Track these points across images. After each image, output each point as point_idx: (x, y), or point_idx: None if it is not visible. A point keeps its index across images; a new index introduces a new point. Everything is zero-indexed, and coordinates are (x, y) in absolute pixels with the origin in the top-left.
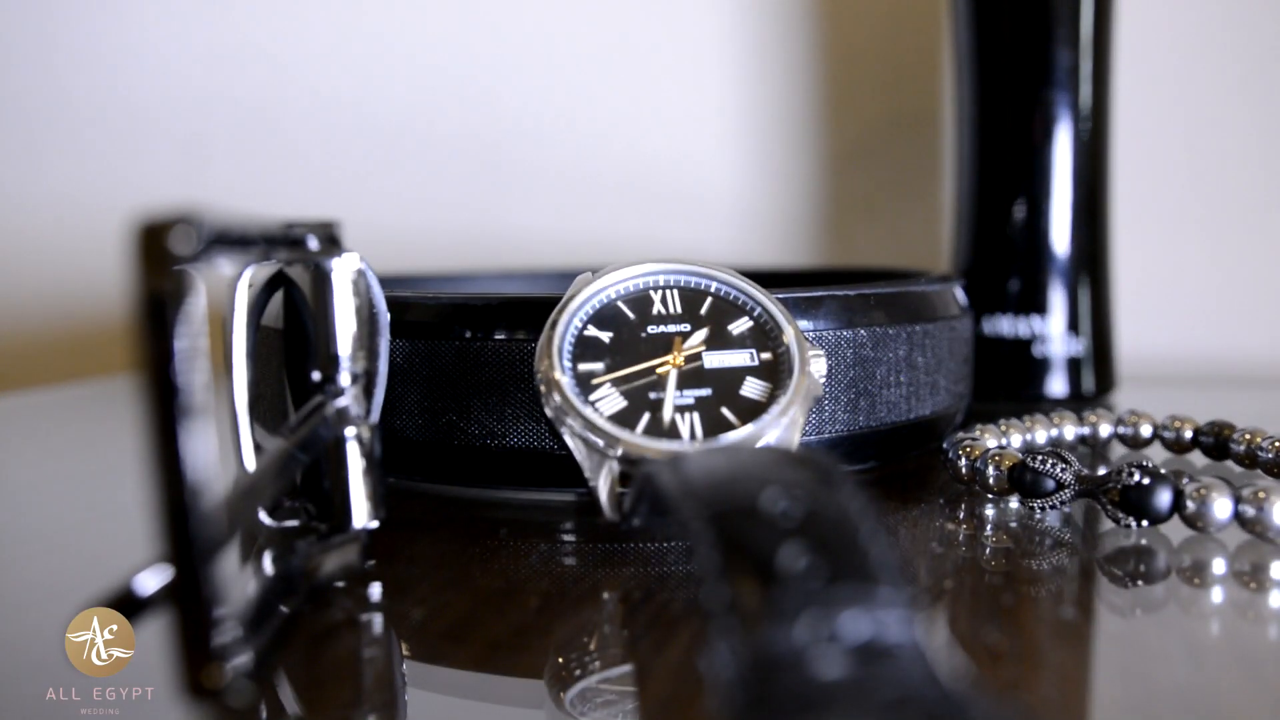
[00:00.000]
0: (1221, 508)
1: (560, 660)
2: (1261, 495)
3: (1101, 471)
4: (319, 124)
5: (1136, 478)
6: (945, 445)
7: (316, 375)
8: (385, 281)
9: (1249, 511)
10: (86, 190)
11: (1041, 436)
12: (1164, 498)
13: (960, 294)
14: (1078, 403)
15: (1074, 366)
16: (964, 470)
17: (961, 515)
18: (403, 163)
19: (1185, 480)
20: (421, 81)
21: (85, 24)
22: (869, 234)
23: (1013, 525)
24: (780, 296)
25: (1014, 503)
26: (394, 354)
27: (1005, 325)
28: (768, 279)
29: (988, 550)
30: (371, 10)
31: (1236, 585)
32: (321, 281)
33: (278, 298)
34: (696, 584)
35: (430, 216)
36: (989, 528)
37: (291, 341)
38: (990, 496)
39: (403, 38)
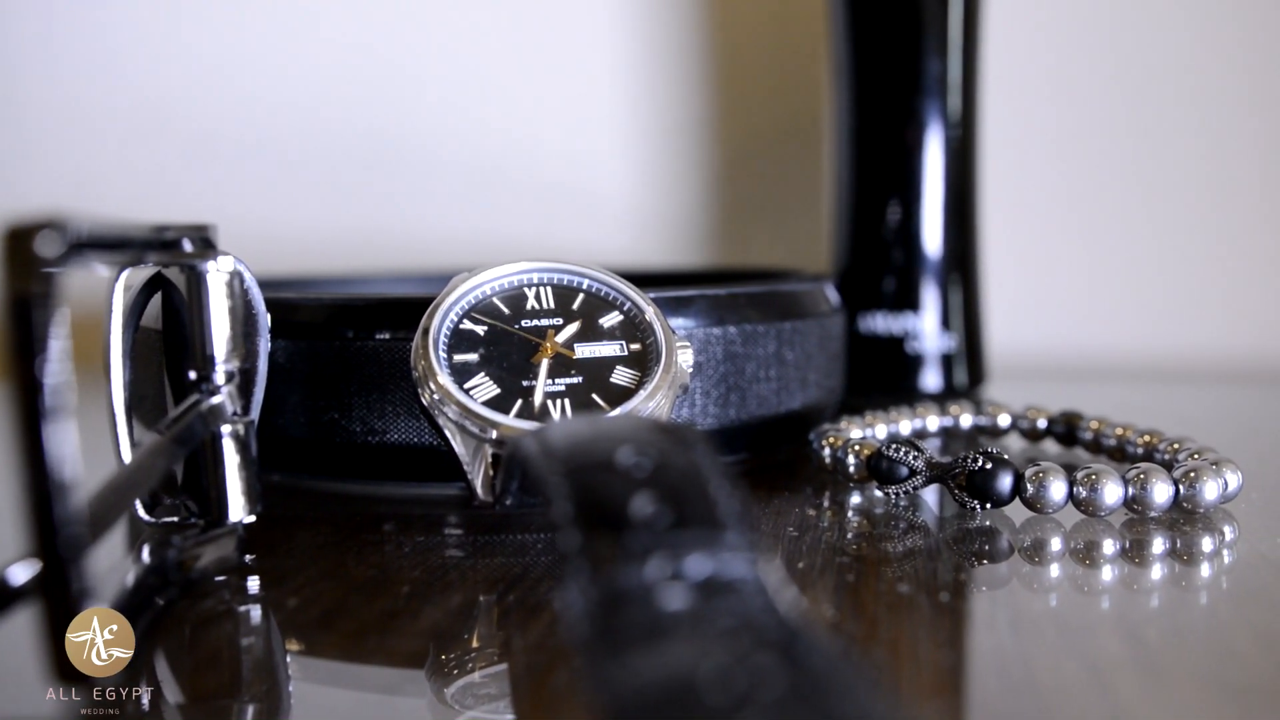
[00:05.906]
0: (1057, 490)
1: (430, 644)
2: (1093, 478)
3: (950, 458)
4: (210, 125)
5: (980, 463)
6: (811, 436)
7: (193, 374)
8: (274, 284)
9: (1082, 493)
10: None
11: (905, 428)
12: (1005, 482)
13: (831, 292)
14: (950, 396)
15: (946, 362)
16: (827, 460)
17: (824, 503)
18: (296, 163)
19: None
20: (318, 83)
21: None
22: (758, 236)
23: (871, 511)
24: (654, 296)
25: (876, 491)
26: (277, 354)
27: (880, 323)
28: (650, 280)
29: (847, 535)
30: (259, 6)
31: (1071, 561)
32: (196, 283)
33: (157, 299)
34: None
35: (324, 217)
36: (848, 513)
37: (170, 342)
38: (851, 485)
39: (293, 35)
